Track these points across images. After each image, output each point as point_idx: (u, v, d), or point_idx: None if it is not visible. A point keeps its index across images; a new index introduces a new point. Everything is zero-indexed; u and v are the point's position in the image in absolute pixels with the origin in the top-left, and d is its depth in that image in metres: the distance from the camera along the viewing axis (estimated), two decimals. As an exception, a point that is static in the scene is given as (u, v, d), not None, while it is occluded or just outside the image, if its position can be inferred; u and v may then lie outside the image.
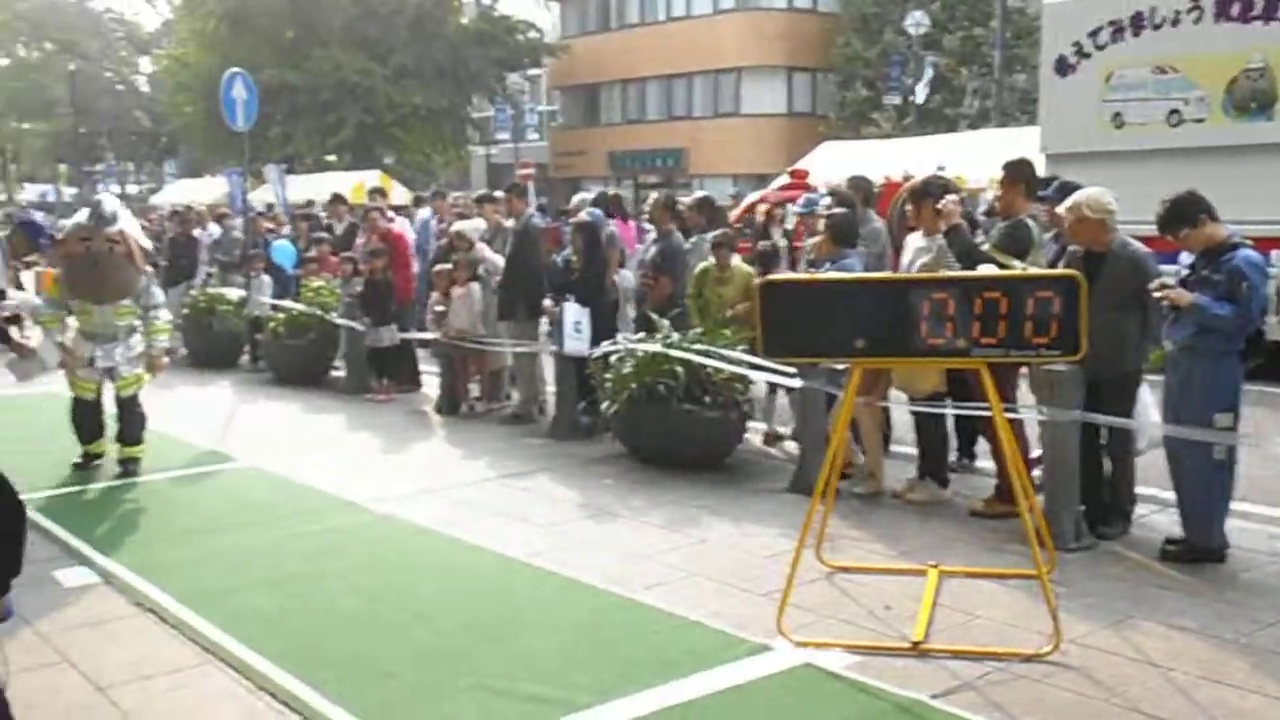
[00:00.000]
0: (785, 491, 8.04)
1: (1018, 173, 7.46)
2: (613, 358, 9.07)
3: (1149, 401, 6.88)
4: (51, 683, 5.06)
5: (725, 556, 6.69)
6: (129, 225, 8.72)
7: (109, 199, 9.03)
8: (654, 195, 10.87)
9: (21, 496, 3.74)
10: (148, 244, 9.06)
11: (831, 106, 41.41)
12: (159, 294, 8.99)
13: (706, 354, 8.51)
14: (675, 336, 8.80)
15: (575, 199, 13.84)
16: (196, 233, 16.48)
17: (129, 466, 8.86)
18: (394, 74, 41.40)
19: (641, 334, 9.20)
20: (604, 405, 9.08)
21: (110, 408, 8.97)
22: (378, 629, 5.67)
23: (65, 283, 8.73)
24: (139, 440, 8.97)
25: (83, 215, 8.65)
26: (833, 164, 22.97)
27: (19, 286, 14.06)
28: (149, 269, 8.92)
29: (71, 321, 8.86)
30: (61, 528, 7.40)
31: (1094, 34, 12.93)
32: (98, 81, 62.38)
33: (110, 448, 9.04)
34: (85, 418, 8.91)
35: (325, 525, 7.44)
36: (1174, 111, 12.33)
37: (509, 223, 11.25)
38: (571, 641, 5.45)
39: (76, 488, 8.58)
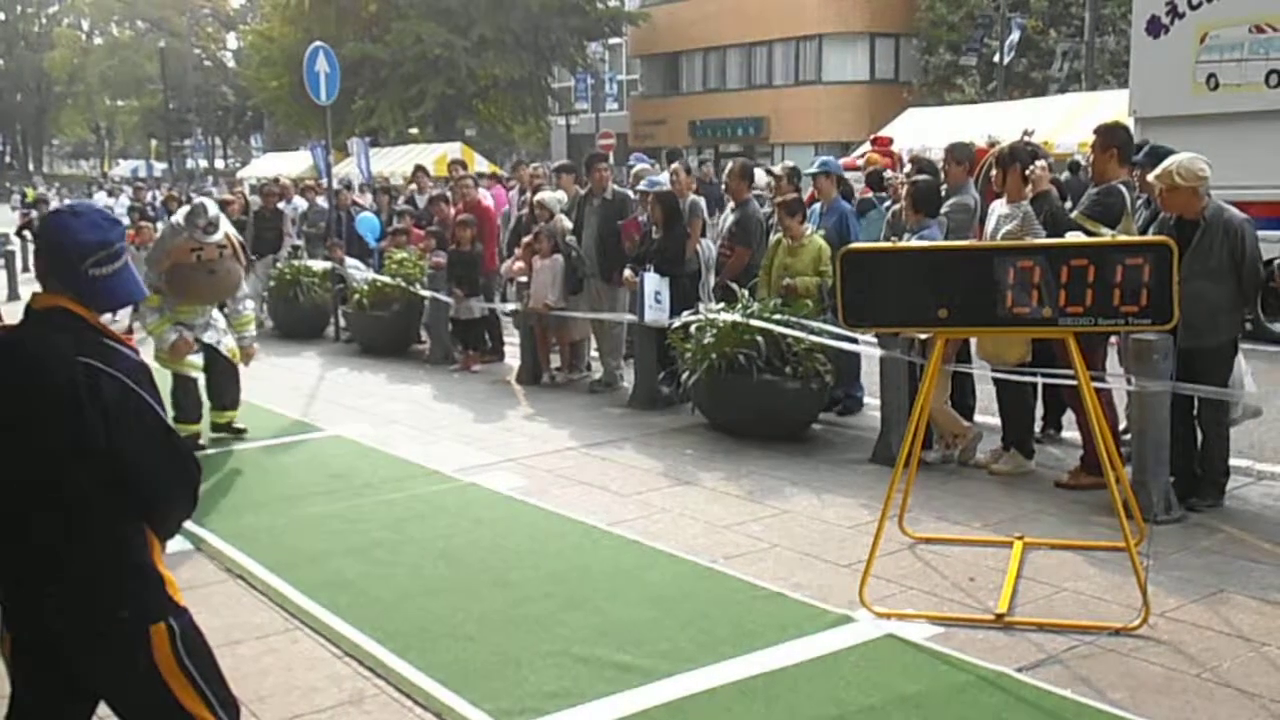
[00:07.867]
0: (867, 462, 7.99)
1: (1111, 138, 7.27)
2: (693, 328, 9.05)
3: (1245, 370, 6.72)
4: (146, 646, 5.19)
5: (807, 527, 6.66)
6: (227, 225, 8.92)
7: (209, 204, 9.01)
8: (730, 164, 10.72)
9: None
10: (237, 236, 9.20)
11: (915, 73, 40.80)
12: (245, 285, 9.26)
13: (787, 324, 8.45)
14: (755, 306, 8.75)
15: (636, 168, 13.68)
16: (281, 206, 16.70)
17: (224, 434, 9.06)
18: (474, 45, 41.48)
19: (721, 304, 9.15)
20: (684, 375, 9.06)
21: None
22: (461, 595, 5.73)
23: (176, 291, 8.69)
24: (235, 404, 9.25)
25: (180, 216, 8.75)
26: (917, 131, 22.71)
27: None
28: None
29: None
30: (155, 495, 7.55)
31: (1188, -8, 12.54)
32: (186, 58, 63.64)
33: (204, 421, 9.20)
34: (186, 396, 9.00)
35: (409, 493, 7.54)
36: (1273, 72, 11.90)
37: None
38: (653, 610, 5.47)
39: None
